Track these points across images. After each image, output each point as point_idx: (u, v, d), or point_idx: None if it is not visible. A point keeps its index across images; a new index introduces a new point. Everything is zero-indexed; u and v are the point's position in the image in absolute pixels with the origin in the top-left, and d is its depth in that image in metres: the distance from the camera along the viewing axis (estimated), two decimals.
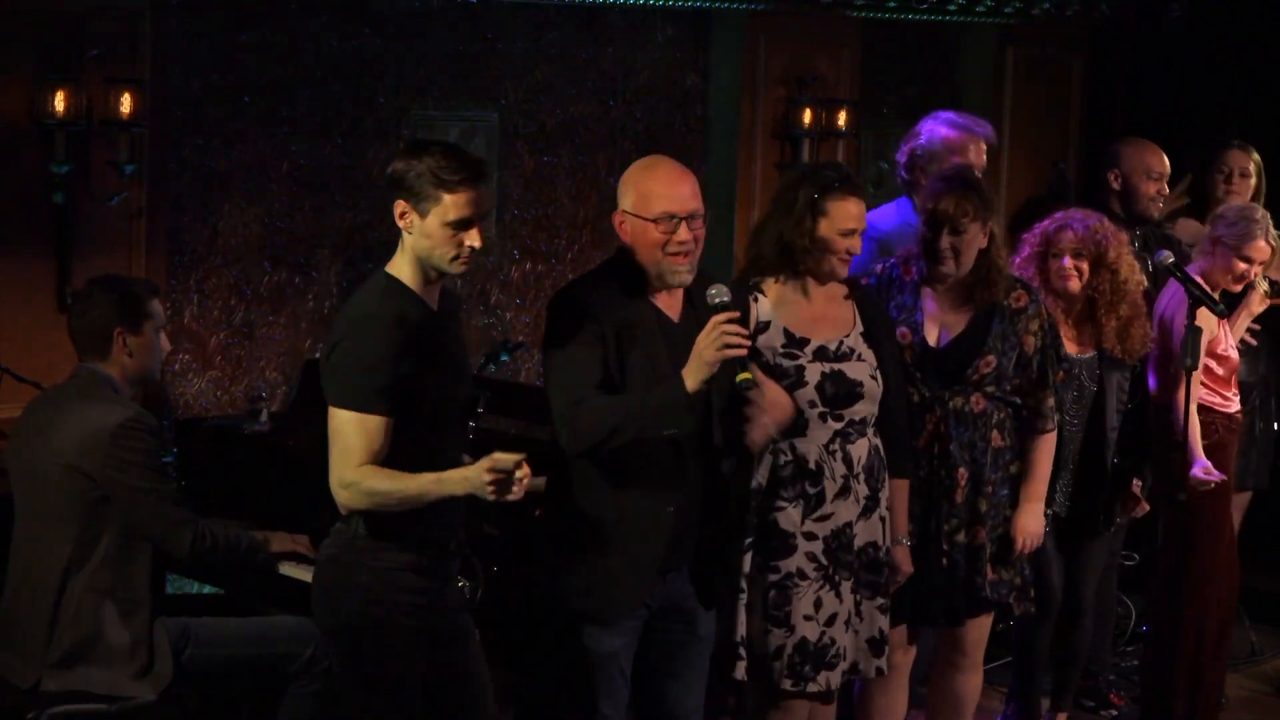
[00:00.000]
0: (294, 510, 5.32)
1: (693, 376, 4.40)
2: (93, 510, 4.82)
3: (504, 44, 7.44)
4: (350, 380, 4.23)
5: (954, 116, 6.24)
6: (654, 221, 4.49)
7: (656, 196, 4.51)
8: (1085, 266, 5.75)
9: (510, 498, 4.17)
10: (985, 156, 6.17)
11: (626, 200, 4.56)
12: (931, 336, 5.21)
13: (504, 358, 6.97)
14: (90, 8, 6.31)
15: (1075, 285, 5.76)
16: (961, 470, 5.20)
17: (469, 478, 4.20)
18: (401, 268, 4.32)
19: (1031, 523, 5.31)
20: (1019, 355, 5.23)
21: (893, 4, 8.16)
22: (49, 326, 6.18)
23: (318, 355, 6.89)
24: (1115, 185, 6.61)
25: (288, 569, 5.23)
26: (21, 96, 6.17)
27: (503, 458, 4.16)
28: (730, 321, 4.37)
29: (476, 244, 4.26)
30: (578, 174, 7.68)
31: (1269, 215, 6.19)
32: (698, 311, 4.59)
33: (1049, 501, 5.68)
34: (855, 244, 4.89)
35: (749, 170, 7.92)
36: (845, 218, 4.86)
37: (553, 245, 7.64)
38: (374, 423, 4.22)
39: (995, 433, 5.25)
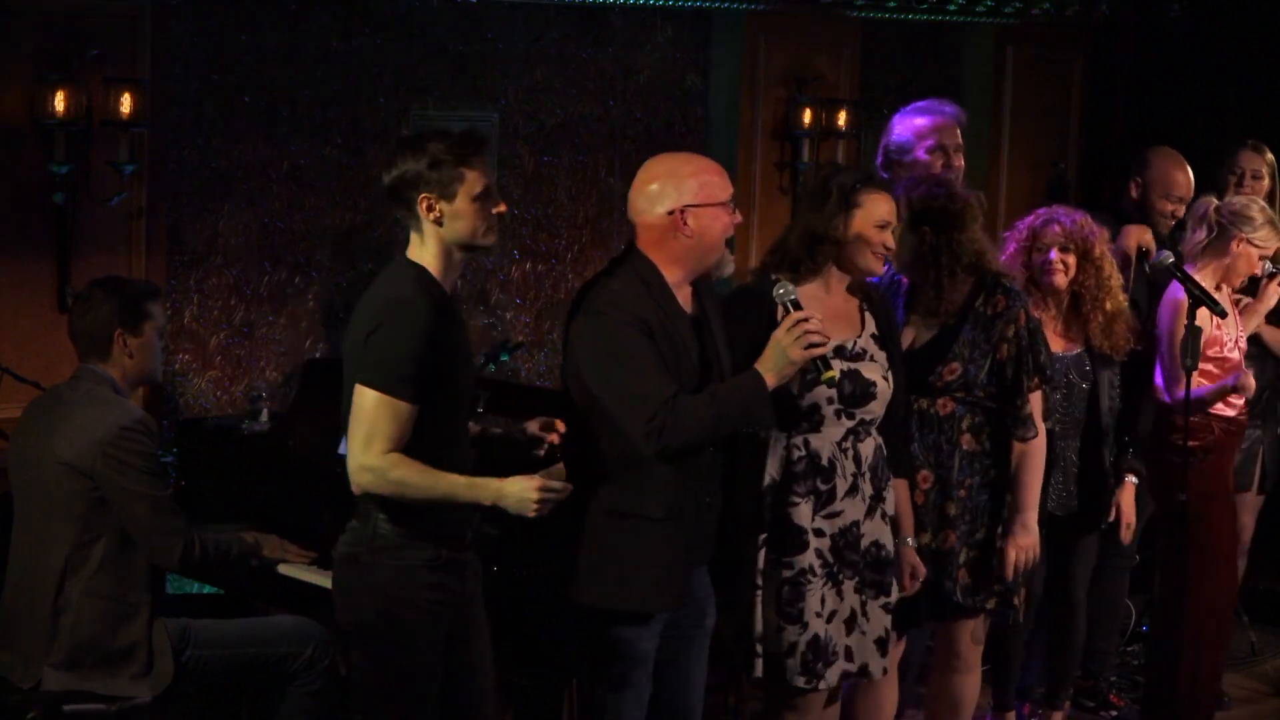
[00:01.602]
0: (294, 510, 5.32)
1: (774, 374, 4.44)
2: (92, 511, 4.82)
3: (504, 44, 7.44)
4: (387, 364, 4.22)
5: (919, 104, 6.22)
6: (723, 205, 4.52)
7: (719, 182, 4.54)
8: (1071, 261, 5.78)
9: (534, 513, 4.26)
10: (960, 136, 6.16)
11: (685, 194, 4.50)
12: (906, 340, 5.21)
13: (504, 358, 6.97)
14: (90, 8, 6.31)
15: (1062, 280, 5.78)
16: (925, 472, 5.20)
17: (506, 490, 4.23)
18: (425, 258, 4.32)
19: (1021, 534, 5.25)
20: (992, 362, 5.21)
21: (893, 4, 8.16)
22: (49, 326, 6.19)
23: (318, 355, 6.94)
24: (1134, 194, 6.56)
25: (287, 569, 5.23)
26: (21, 96, 6.17)
27: (555, 482, 4.23)
28: (803, 319, 4.45)
29: (503, 209, 4.34)
30: (578, 174, 7.68)
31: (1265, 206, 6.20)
32: (705, 306, 4.61)
33: (1042, 503, 5.67)
34: (889, 238, 4.87)
35: (749, 170, 7.92)
36: (879, 211, 4.85)
37: (553, 245, 7.63)
38: (403, 409, 4.23)
39: (967, 436, 5.23)
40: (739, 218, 4.58)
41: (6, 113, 6.16)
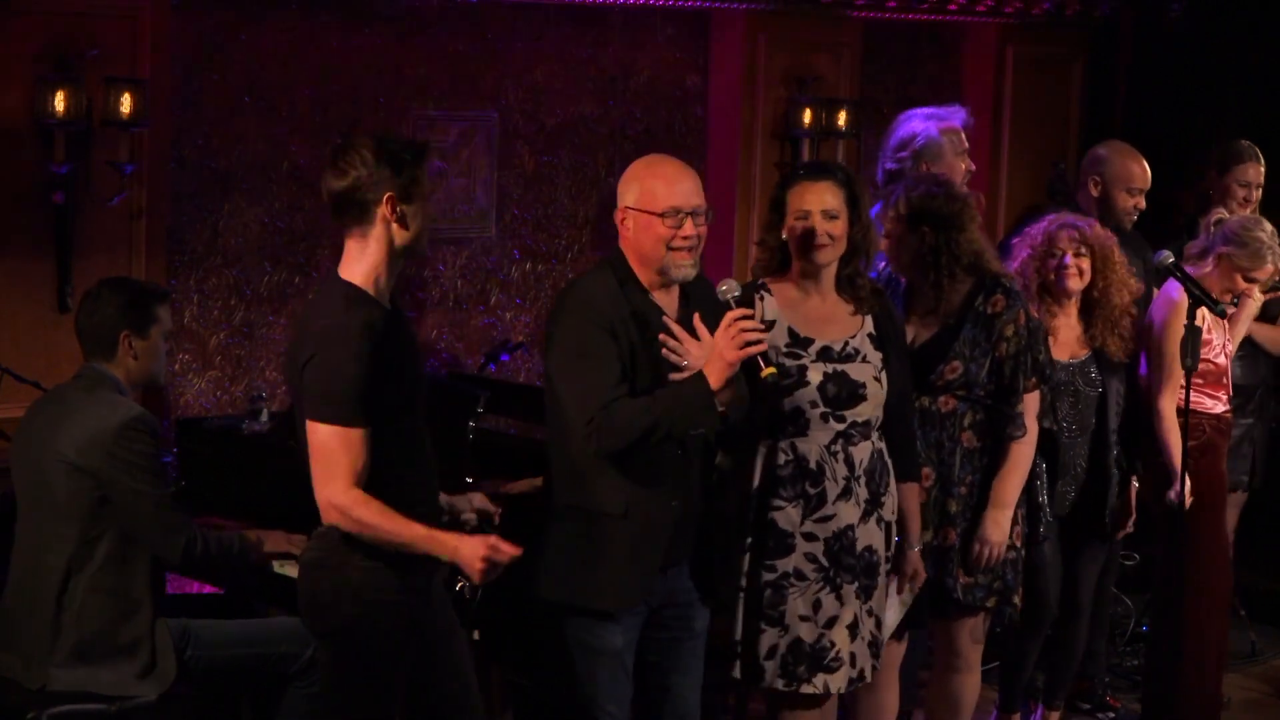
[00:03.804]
0: (294, 510, 5.30)
1: (714, 375, 4.42)
2: (95, 510, 4.82)
3: (504, 44, 7.44)
4: (329, 394, 4.22)
5: (927, 109, 6.25)
6: (660, 216, 4.50)
7: (663, 191, 4.52)
8: (1086, 265, 5.80)
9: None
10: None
11: (629, 196, 4.56)
12: (907, 338, 5.21)
13: (504, 358, 6.97)
14: (90, 8, 6.31)
15: (1077, 284, 5.81)
16: (926, 470, 5.19)
17: (461, 550, 4.25)
18: (360, 273, 4.31)
19: (991, 531, 5.25)
20: (992, 360, 5.21)
21: (893, 4, 8.16)
22: (49, 326, 6.19)
23: None
24: (1094, 192, 6.55)
25: (282, 568, 5.22)
26: (21, 96, 6.17)
27: (503, 547, 4.22)
28: (743, 317, 4.41)
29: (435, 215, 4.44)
30: (578, 174, 7.68)
31: (1275, 231, 6.18)
32: (693, 307, 4.60)
33: (1047, 507, 5.68)
34: (819, 224, 4.81)
35: (749, 170, 7.92)
36: (799, 202, 4.84)
37: (553, 245, 7.64)
38: (356, 436, 4.23)
39: (968, 434, 5.23)
40: (690, 229, 4.51)
41: (6, 113, 6.16)
